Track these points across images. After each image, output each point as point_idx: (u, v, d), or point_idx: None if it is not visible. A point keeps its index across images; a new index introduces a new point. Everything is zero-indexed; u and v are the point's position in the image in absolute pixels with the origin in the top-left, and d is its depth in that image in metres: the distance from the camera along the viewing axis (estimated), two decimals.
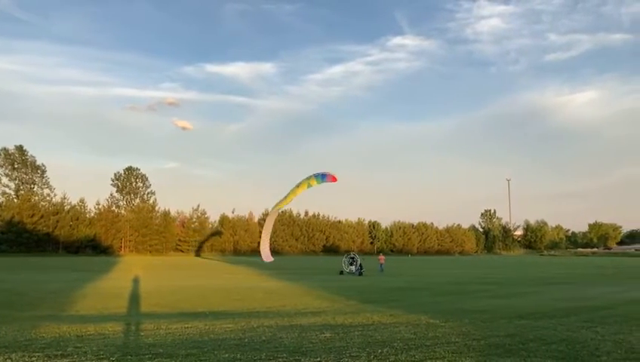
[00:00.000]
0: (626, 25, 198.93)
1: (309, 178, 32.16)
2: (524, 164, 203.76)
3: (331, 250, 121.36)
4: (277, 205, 34.32)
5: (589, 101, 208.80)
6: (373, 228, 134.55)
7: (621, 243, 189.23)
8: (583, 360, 8.92)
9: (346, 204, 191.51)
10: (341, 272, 42.56)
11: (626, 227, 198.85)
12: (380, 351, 9.53)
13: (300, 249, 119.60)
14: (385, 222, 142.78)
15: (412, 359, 8.79)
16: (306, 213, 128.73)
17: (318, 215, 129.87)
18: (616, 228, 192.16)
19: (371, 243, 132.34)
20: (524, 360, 8.72)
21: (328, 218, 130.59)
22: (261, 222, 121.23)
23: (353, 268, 42.82)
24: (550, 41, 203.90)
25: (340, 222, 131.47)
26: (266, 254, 47.02)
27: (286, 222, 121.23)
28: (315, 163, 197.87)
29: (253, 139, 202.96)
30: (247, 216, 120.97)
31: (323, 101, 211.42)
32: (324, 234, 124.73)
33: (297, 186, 32.71)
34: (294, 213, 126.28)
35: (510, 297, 23.75)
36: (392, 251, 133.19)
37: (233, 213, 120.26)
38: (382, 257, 51.35)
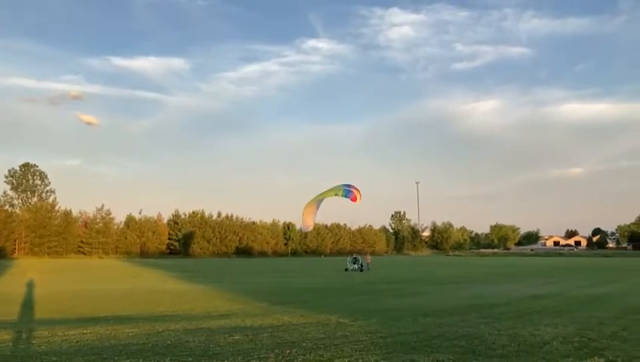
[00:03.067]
0: (523, 39, 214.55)
1: (338, 187, 32.46)
2: (432, 167, 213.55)
3: (245, 252, 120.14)
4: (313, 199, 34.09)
5: (492, 109, 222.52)
6: (288, 229, 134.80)
7: (519, 243, 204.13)
8: (481, 354, 9.46)
9: (260, 205, 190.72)
10: (346, 269, 51.07)
11: (524, 228, 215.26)
12: (288, 351, 9.54)
13: (212, 251, 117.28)
14: (299, 223, 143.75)
15: (320, 358, 8.88)
16: (219, 214, 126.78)
17: (232, 216, 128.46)
18: (514, 229, 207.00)
19: (285, 244, 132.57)
20: (428, 356, 9.08)
21: (242, 219, 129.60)
22: (170, 223, 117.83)
23: (356, 266, 51.89)
24: (457, 51, 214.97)
25: (254, 223, 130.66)
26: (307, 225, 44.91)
27: (197, 224, 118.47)
28: (228, 162, 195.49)
29: (163, 136, 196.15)
30: (155, 216, 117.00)
31: (237, 100, 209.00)
32: (237, 235, 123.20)
33: (327, 191, 32.93)
34: (206, 213, 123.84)
35: (416, 296, 24.77)
36: (306, 252, 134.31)
37: (140, 213, 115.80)
38: (368, 257, 60.64)
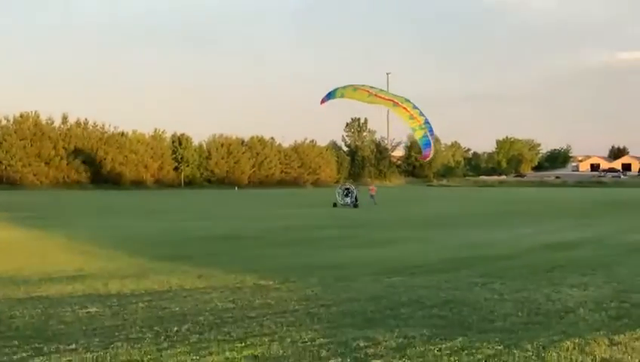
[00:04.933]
0: None
1: (420, 127, 32.15)
2: (410, 52, 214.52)
3: (108, 180, 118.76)
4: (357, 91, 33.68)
5: None
6: (179, 145, 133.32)
7: (539, 167, 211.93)
8: (471, 328, 9.85)
9: (134, 106, 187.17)
10: (334, 204, 56.90)
11: (547, 145, 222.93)
12: (175, 329, 9.61)
13: (54, 178, 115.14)
14: (198, 137, 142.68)
15: (225, 338, 9.02)
16: (65, 120, 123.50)
17: (87, 123, 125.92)
18: (533, 146, 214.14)
19: (176, 169, 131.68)
20: (391, 331, 9.37)
21: (103, 127, 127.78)
22: None
23: (348, 199, 57.42)
24: None
25: (123, 134, 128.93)
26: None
27: (28, 135, 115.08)
28: (74, 32, 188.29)
29: None
30: None
31: None
32: (95, 154, 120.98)
33: (401, 108, 32.74)
34: (43, 119, 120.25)
35: (380, 246, 25.46)
36: (209, 181, 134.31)
37: None
38: (373, 188, 67.09)
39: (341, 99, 33.55)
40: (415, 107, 31.91)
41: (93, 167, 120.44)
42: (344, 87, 33.36)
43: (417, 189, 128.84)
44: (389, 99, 32.36)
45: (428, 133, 32.14)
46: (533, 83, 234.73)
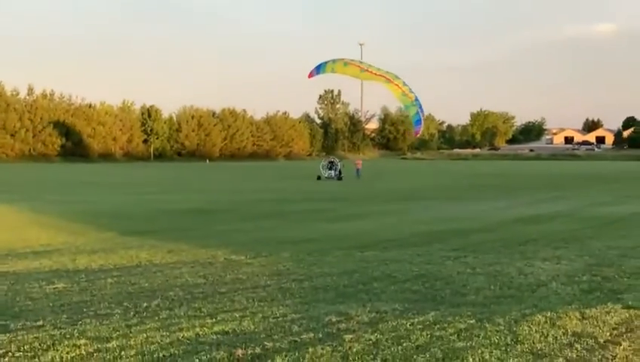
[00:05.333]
0: None
1: (412, 105, 32.31)
2: (384, 22, 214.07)
3: (76, 153, 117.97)
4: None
5: None
6: (149, 117, 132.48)
7: (513, 140, 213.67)
8: (444, 302, 9.99)
9: (102, 78, 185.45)
10: (318, 178, 59.52)
11: (521, 117, 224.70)
12: (145, 305, 9.63)
13: (20, 151, 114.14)
14: (168, 108, 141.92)
15: (196, 314, 9.06)
16: (31, 91, 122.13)
17: (53, 95, 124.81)
18: (507, 119, 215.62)
19: (145, 141, 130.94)
20: (364, 305, 9.47)
21: (70, 99, 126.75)
22: None
23: (332, 172, 60.37)
24: None
25: (91, 106, 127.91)
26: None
27: None
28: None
29: None
30: None
31: None
32: (62, 126, 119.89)
33: (394, 85, 32.73)
34: (8, 90, 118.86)
35: (352, 220, 25.65)
36: (179, 154, 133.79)
37: None
38: (359, 161, 69.61)
39: (332, 74, 33.55)
40: (405, 84, 32.17)
41: (61, 139, 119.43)
42: (334, 62, 33.26)
43: (391, 162, 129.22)
44: (380, 75, 32.46)
45: (419, 111, 32.52)
46: (508, 54, 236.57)
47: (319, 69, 33.71)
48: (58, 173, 73.44)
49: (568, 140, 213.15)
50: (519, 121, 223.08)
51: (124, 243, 18.47)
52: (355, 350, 6.71)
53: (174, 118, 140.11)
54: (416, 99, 32.17)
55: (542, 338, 7.22)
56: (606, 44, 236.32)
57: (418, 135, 39.87)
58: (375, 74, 32.55)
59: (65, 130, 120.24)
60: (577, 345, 6.98)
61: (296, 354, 6.55)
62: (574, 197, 38.25)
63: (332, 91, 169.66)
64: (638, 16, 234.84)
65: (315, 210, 30.04)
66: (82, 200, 34.81)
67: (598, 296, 10.34)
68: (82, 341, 7.19)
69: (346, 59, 33.92)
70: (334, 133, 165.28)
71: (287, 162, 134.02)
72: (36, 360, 6.50)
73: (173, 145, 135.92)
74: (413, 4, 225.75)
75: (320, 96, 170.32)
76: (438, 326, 7.82)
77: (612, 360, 6.60)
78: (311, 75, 33.82)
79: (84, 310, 9.42)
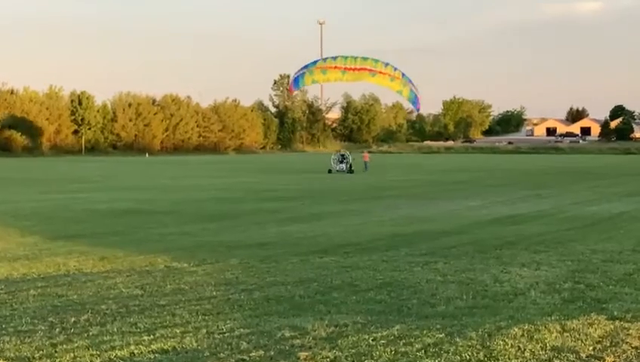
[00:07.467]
0: None
1: (403, 81, 32.35)
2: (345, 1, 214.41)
3: None
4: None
5: None
6: (79, 105, 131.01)
7: (489, 132, 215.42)
8: (411, 314, 10.05)
9: (26, 60, 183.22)
10: (329, 171, 65.08)
11: (498, 106, 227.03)
12: (72, 320, 9.55)
13: None
14: (101, 95, 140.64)
15: (131, 330, 9.00)
16: None
17: None
18: (483, 107, 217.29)
19: (75, 132, 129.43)
20: (321, 318, 9.48)
21: None
22: None
23: (343, 165, 66.63)
24: None
25: (13, 93, 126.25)
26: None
27: None
28: None
29: None
30: None
31: None
32: None
33: (379, 76, 32.66)
34: None
35: (311, 221, 25.69)
36: (114, 147, 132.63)
37: None
38: (366, 154, 76.11)
39: (313, 85, 33.78)
40: (387, 64, 32.45)
41: None
42: (311, 72, 33.37)
43: (354, 156, 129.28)
44: (362, 69, 32.66)
45: (412, 87, 32.85)
46: (484, 36, 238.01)
47: (297, 82, 33.94)
48: None
49: (550, 132, 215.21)
50: (496, 110, 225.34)
51: (49, 249, 18.25)
52: None
53: (109, 106, 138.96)
54: (404, 75, 32.52)
55: (518, 354, 7.32)
56: (590, 25, 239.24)
57: (420, 110, 41.66)
58: (356, 69, 32.78)
59: None
60: (557, 361, 7.07)
61: None
62: (556, 195, 38.69)
63: (288, 76, 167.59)
64: None
65: (269, 210, 29.97)
66: (2, 200, 34.37)
67: (581, 305, 10.49)
68: None
69: (318, 62, 34.05)
70: (291, 123, 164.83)
71: (237, 156, 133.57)
72: None
73: (108, 136, 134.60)
74: None
75: (275, 82, 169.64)
76: (403, 341, 7.89)
77: None
78: (292, 91, 34.23)
79: (3, 326, 9.33)
